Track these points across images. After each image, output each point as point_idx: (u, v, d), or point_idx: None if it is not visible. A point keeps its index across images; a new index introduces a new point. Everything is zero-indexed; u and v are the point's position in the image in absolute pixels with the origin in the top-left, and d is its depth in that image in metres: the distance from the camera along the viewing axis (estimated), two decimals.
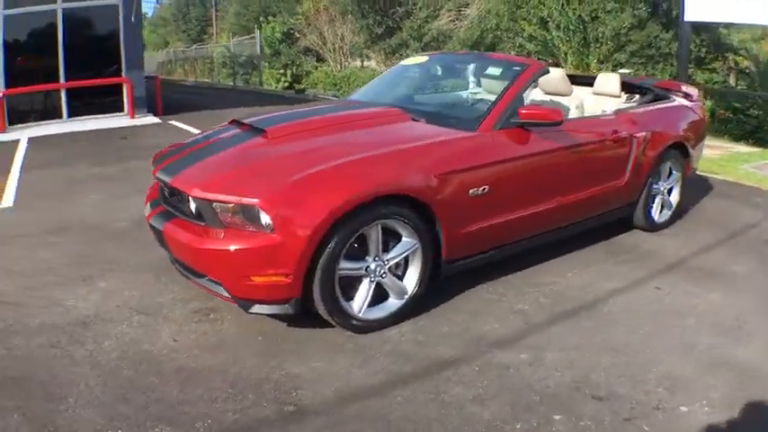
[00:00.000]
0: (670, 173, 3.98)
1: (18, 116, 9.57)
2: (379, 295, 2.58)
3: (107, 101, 10.45)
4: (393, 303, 2.60)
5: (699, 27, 8.22)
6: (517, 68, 3.15)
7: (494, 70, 3.26)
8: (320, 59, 16.61)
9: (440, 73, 3.73)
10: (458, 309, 2.79)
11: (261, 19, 18.60)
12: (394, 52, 14.24)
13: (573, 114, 3.64)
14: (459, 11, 13.53)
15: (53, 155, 6.54)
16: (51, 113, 10.05)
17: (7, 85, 9.27)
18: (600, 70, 8.13)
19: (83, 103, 10.31)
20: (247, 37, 20.28)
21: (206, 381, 2.15)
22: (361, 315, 2.49)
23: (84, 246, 3.54)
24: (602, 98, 4.02)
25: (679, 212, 4.25)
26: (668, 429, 1.94)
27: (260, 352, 2.37)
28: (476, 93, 3.69)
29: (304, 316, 2.44)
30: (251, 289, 2.30)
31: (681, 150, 3.95)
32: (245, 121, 2.90)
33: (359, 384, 2.15)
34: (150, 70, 29.40)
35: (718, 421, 1.99)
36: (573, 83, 3.70)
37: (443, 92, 3.71)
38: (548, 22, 8.93)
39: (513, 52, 10.95)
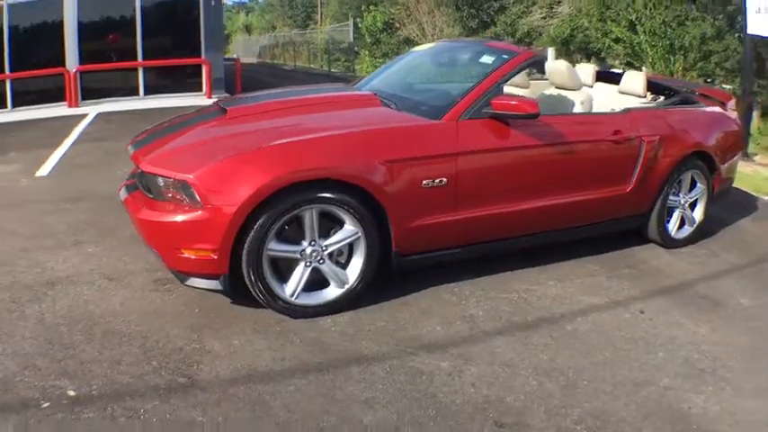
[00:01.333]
0: (693, 185, 3.61)
1: (94, 93, 10.72)
2: (323, 282, 2.63)
3: (186, 81, 11.32)
4: (332, 292, 2.60)
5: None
6: (505, 57, 3.00)
7: (487, 58, 3.12)
8: None
9: (441, 60, 3.64)
10: (408, 305, 2.73)
11: (362, 8, 19.20)
12: None
13: (577, 110, 3.38)
14: (551, 7, 13.27)
15: (111, 129, 7.26)
16: (128, 91, 11.12)
17: (82, 62, 10.40)
18: (685, 78, 7.65)
19: (161, 83, 11.29)
20: (342, 24, 21.15)
21: (125, 345, 2.31)
22: (293, 299, 2.52)
23: (91, 214, 3.92)
24: (619, 96, 3.74)
25: (709, 231, 3.86)
26: None
27: (189, 324, 2.50)
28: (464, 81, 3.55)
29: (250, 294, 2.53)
30: (183, 261, 2.44)
31: (706, 161, 3.57)
32: (218, 100, 3.06)
33: (261, 367, 2.19)
34: (253, 53, 31.58)
35: None
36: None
37: (436, 79, 3.62)
38: (636, 25, 8.54)
39: (603, 53, 10.66)
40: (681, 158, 3.42)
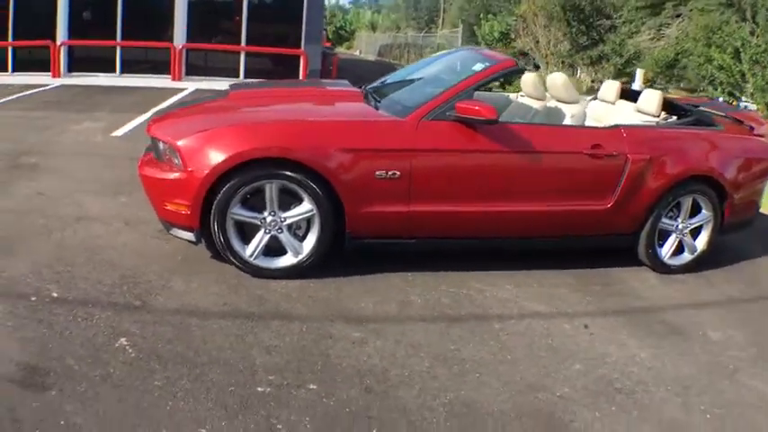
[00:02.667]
0: (698, 210, 3.57)
1: (197, 70, 12.11)
2: (283, 250, 3.10)
3: (285, 69, 12.41)
4: (287, 259, 3.06)
5: None
6: (486, 65, 3.26)
7: (478, 66, 3.40)
8: (528, 63, 17.23)
9: (447, 64, 3.95)
10: (357, 283, 3.10)
11: (480, 16, 19.62)
12: (593, 64, 14.40)
13: (567, 122, 3.52)
14: (659, 29, 12.78)
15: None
16: (230, 72, 12.39)
17: (189, 40, 11.78)
18: None
19: (260, 67, 12.48)
20: (454, 30, 21.62)
21: (110, 271, 2.96)
22: (251, 260, 3.02)
23: None
24: (635, 114, 3.79)
25: (718, 261, 3.79)
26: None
27: (167, 266, 3.09)
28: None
29: None
30: (167, 213, 3.03)
31: (713, 186, 3.51)
32: (231, 85, 3.66)
33: (203, 307, 2.71)
34: (374, 51, 33.20)
35: None
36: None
37: (437, 81, 3.92)
38: (741, 52, 8.08)
39: (706, 81, 10.21)
40: (676, 180, 3.42)
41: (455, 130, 3.04)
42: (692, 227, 3.62)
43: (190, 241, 3.08)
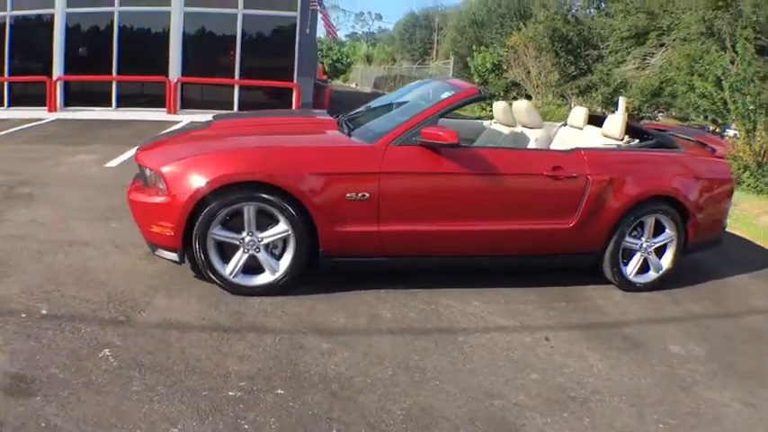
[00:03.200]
0: (661, 230, 3.80)
1: (192, 103, 12.52)
2: (261, 268, 3.32)
3: (277, 101, 12.85)
4: (265, 277, 3.29)
5: None
6: (451, 93, 3.56)
7: (445, 94, 3.70)
8: (520, 94, 17.78)
9: (420, 94, 4.25)
10: (331, 300, 3.31)
11: (473, 47, 20.30)
12: (582, 93, 14.88)
13: (531, 145, 3.79)
14: (644, 59, 13.29)
15: None
16: (224, 105, 12.81)
17: (184, 74, 12.21)
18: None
19: (254, 100, 12.92)
20: (446, 62, 22.24)
21: (98, 290, 3.17)
22: (231, 278, 3.24)
23: None
24: (601, 138, 4.07)
25: (689, 279, 3.99)
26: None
27: (153, 285, 3.31)
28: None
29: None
30: (152, 235, 3.27)
31: (676, 206, 3.73)
32: (214, 116, 3.96)
33: (183, 321, 2.92)
34: (369, 83, 34.09)
35: None
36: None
37: (411, 109, 4.23)
38: (722, 80, 8.50)
39: (690, 109, 10.61)
40: (637, 200, 3.62)
41: (421, 154, 3.31)
42: (657, 246, 3.82)
43: (173, 261, 3.30)
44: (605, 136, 4.14)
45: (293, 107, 12.44)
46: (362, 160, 3.26)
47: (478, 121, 4.99)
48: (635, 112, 12.38)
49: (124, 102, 12.31)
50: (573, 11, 16.91)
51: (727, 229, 6.02)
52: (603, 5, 16.36)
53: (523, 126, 3.99)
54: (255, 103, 12.75)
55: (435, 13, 35.61)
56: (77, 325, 2.79)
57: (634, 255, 3.81)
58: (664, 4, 12.43)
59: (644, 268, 3.87)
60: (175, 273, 3.48)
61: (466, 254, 3.54)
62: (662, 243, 3.84)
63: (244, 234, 3.24)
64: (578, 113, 4.52)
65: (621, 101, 9.73)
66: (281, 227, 3.23)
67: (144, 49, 12.42)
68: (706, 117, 10.18)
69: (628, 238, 3.74)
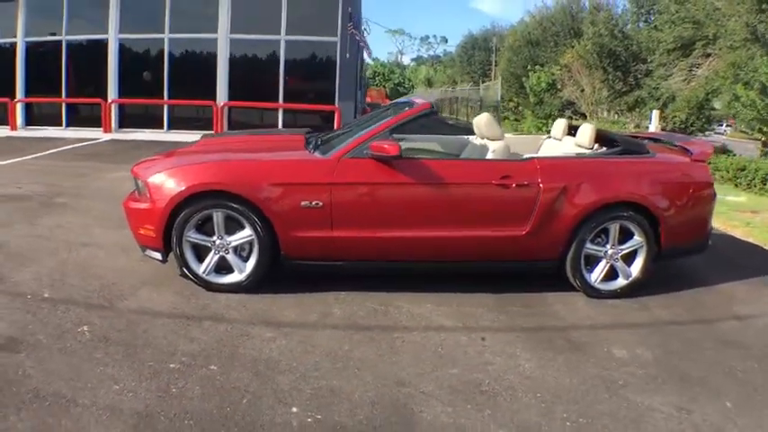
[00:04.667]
0: (629, 236, 3.92)
1: (238, 125, 13.60)
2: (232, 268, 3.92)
3: (320, 124, 13.73)
4: (234, 277, 3.87)
5: None
6: (405, 109, 4.04)
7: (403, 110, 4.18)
8: (576, 112, 17.99)
9: (383, 111, 4.77)
10: (292, 298, 3.82)
11: (528, 67, 20.81)
12: (630, 109, 14.93)
13: (489, 156, 4.13)
14: (691, 70, 13.20)
15: None
16: (268, 127, 13.73)
17: (230, 98, 13.33)
18: None
19: (298, 123, 13.88)
20: (489, 83, 22.68)
21: (95, 282, 3.87)
22: (204, 276, 3.85)
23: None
24: (575, 147, 4.38)
25: (666, 286, 4.05)
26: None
27: (142, 280, 3.98)
28: None
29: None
30: (141, 237, 3.95)
31: (642, 212, 3.86)
32: (202, 134, 4.65)
33: (155, 309, 3.54)
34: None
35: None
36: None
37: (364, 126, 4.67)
38: (767, 86, 8.42)
39: (736, 118, 10.53)
40: (595, 207, 3.78)
41: (371, 166, 3.78)
42: (624, 252, 3.95)
43: (158, 260, 3.97)
44: (577, 145, 4.40)
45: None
46: (316, 172, 3.79)
47: (464, 137, 5.40)
48: (681, 126, 12.17)
49: (175, 124, 13.60)
50: (622, 26, 16.92)
51: (742, 237, 6.00)
52: (652, 18, 16.28)
53: (486, 138, 4.39)
54: (299, 126, 13.65)
55: (493, 34, 36.18)
56: (69, 306, 3.49)
57: (599, 261, 3.94)
58: (710, 12, 12.29)
59: (612, 275, 3.97)
60: (163, 272, 4.15)
61: (419, 259, 3.95)
62: (630, 249, 3.93)
63: (215, 237, 3.85)
64: (558, 125, 4.84)
65: (655, 114, 9.78)
66: (246, 232, 3.81)
67: (192, 73, 13.74)
68: (753, 128, 10.00)
69: (590, 245, 3.89)
